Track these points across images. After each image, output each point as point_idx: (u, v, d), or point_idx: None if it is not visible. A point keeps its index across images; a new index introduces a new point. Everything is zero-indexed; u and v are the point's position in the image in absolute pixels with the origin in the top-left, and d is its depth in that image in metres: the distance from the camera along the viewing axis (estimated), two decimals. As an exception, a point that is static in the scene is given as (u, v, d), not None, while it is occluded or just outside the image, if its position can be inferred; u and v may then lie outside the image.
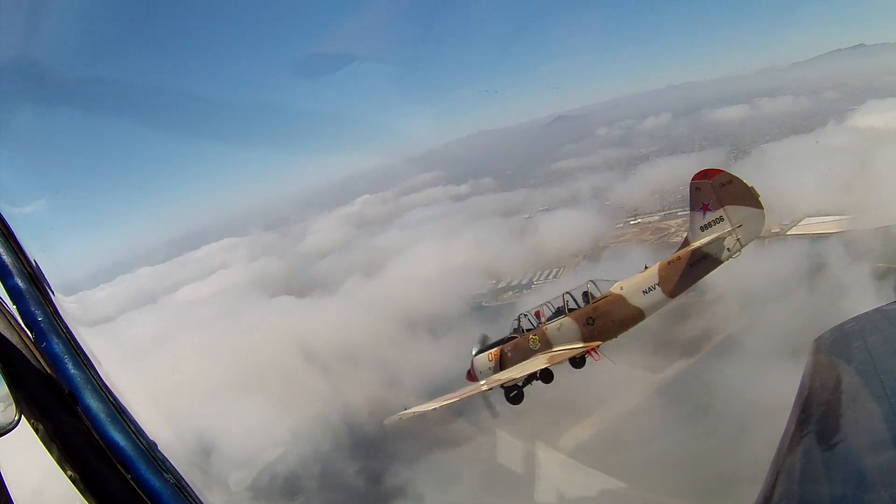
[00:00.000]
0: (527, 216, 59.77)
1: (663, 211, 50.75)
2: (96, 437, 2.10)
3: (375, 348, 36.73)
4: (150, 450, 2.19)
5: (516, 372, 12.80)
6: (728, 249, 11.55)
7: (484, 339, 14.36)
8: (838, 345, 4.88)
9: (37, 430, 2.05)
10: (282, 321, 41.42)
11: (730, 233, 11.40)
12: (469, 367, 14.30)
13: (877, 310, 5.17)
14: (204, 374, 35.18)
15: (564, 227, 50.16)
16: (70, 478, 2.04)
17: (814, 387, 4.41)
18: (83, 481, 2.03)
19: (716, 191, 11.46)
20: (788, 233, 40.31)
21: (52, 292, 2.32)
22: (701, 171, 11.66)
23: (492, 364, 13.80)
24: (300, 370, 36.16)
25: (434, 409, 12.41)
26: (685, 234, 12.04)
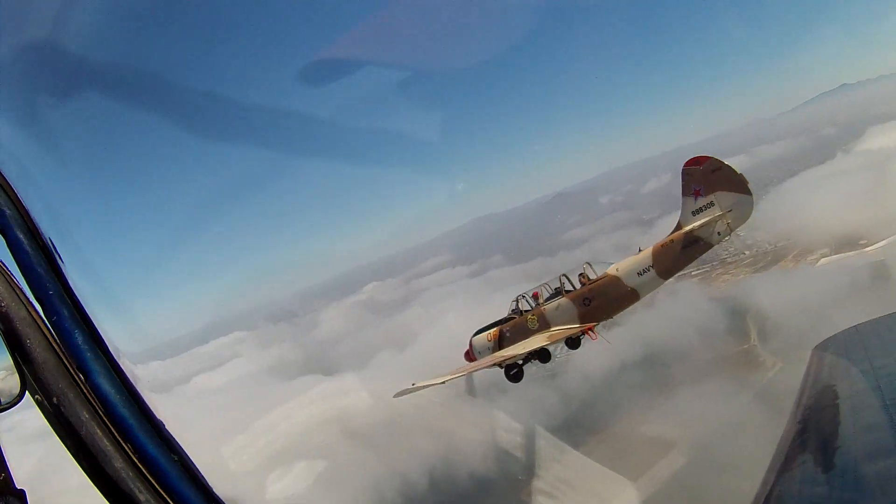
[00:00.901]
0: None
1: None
2: (102, 414, 2.08)
3: (426, 416, 34.45)
4: (157, 429, 2.17)
5: (517, 349, 13.33)
6: (718, 233, 12.03)
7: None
8: (838, 352, 4.95)
9: (41, 406, 2.03)
10: (312, 398, 39.63)
11: (720, 217, 11.87)
12: (467, 346, 14.87)
13: (877, 319, 5.33)
14: (240, 456, 33.72)
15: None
16: (73, 454, 2.02)
17: (813, 393, 4.48)
18: (87, 458, 2.00)
19: (706, 177, 11.96)
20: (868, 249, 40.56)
21: (63, 266, 2.28)
22: (693, 158, 12.14)
23: (490, 344, 14.26)
24: (342, 445, 34.28)
25: (442, 382, 12.92)
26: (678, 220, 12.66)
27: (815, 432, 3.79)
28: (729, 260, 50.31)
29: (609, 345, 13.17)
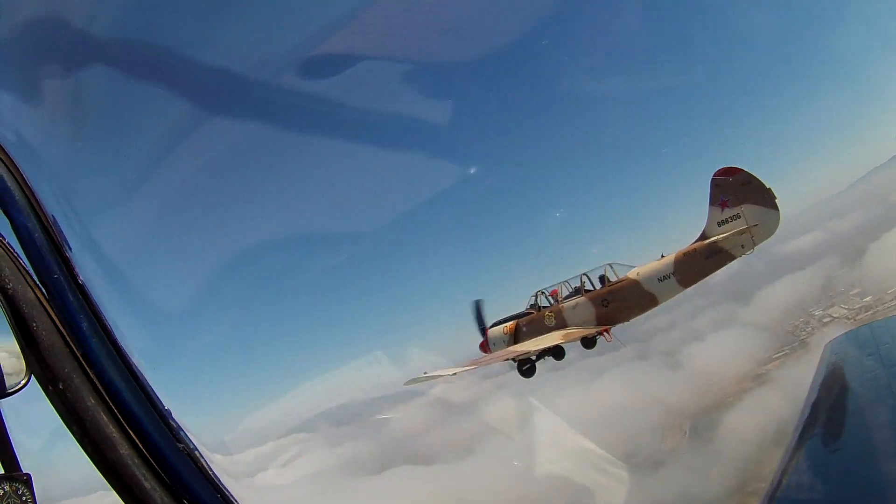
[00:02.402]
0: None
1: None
2: (108, 399, 2.04)
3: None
4: (163, 417, 2.14)
5: (532, 345, 13.61)
6: (742, 246, 12.15)
7: (479, 303, 15.21)
8: (850, 350, 4.92)
9: (46, 390, 1.99)
10: (409, 491, 37.04)
11: (745, 230, 12.00)
12: (483, 338, 15.18)
13: (891, 318, 5.43)
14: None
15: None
16: (78, 440, 1.99)
17: (823, 390, 4.41)
18: (92, 444, 1.97)
19: (735, 189, 11.95)
20: None
21: (69, 248, 2.22)
22: (723, 168, 12.15)
23: (506, 337, 14.50)
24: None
25: (454, 374, 13.27)
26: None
27: (826, 428, 3.81)
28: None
29: (625, 348, 13.44)
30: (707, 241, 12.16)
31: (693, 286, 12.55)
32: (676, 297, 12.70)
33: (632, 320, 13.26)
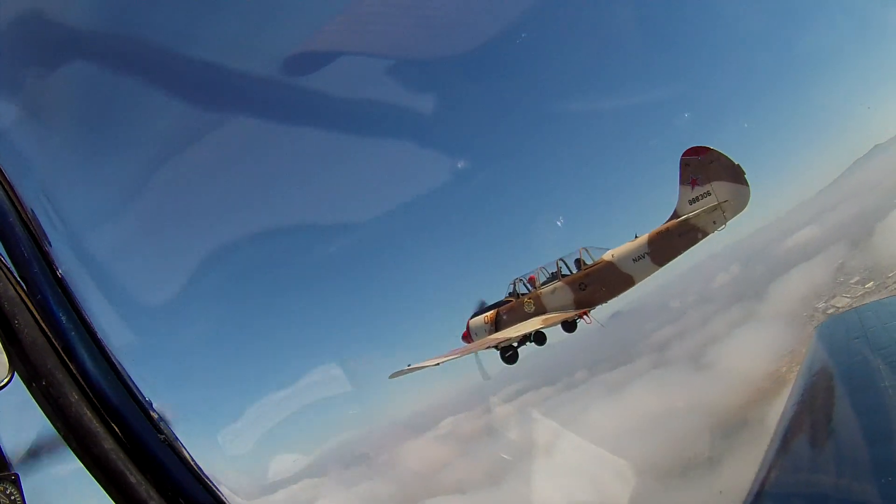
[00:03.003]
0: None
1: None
2: (90, 393, 2.04)
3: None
4: (144, 409, 2.16)
5: (513, 332, 13.68)
6: (714, 222, 12.27)
7: (482, 304, 15.34)
8: (838, 334, 4.98)
9: (30, 387, 1.99)
10: None
11: (716, 207, 12.14)
12: (464, 329, 15.27)
13: (877, 302, 5.48)
14: None
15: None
16: (63, 436, 1.99)
17: (813, 374, 4.49)
18: (76, 439, 1.97)
19: (704, 167, 12.06)
20: None
21: (50, 244, 2.22)
22: (691, 148, 12.27)
23: (487, 326, 14.61)
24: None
25: (436, 363, 13.37)
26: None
27: (813, 415, 3.83)
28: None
29: (602, 328, 13.46)
30: (679, 219, 12.27)
31: (668, 264, 12.60)
32: (652, 275, 12.74)
33: (610, 302, 13.31)
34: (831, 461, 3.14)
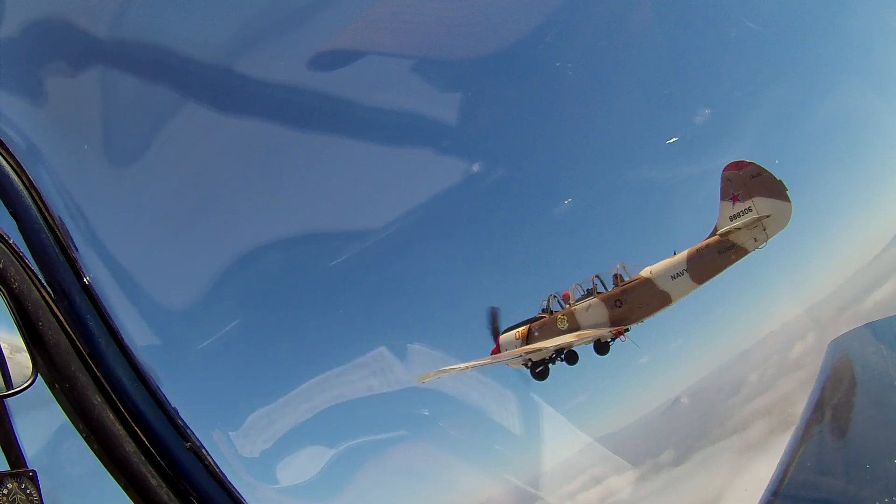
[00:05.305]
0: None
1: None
2: (115, 399, 2.05)
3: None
4: (170, 415, 2.15)
5: (546, 343, 13.41)
6: (755, 239, 12.05)
7: (495, 311, 15.11)
8: (854, 347, 4.97)
9: (52, 388, 2.01)
10: None
11: (757, 223, 11.95)
12: (494, 345, 15.02)
13: (892, 317, 5.44)
14: None
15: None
16: (85, 437, 2.01)
17: (828, 386, 4.46)
18: (98, 441, 1.99)
19: (745, 182, 11.86)
20: None
21: (75, 248, 2.25)
22: (733, 163, 12.08)
23: (518, 342, 14.39)
24: None
25: (465, 367, 13.12)
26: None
27: (830, 427, 3.82)
28: None
29: (638, 348, 13.21)
30: (719, 235, 12.03)
31: (707, 282, 12.35)
32: (691, 294, 12.50)
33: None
34: (846, 475, 3.12)
